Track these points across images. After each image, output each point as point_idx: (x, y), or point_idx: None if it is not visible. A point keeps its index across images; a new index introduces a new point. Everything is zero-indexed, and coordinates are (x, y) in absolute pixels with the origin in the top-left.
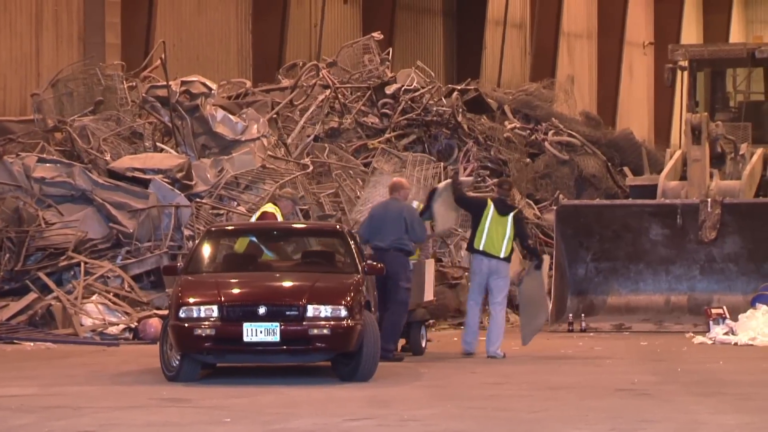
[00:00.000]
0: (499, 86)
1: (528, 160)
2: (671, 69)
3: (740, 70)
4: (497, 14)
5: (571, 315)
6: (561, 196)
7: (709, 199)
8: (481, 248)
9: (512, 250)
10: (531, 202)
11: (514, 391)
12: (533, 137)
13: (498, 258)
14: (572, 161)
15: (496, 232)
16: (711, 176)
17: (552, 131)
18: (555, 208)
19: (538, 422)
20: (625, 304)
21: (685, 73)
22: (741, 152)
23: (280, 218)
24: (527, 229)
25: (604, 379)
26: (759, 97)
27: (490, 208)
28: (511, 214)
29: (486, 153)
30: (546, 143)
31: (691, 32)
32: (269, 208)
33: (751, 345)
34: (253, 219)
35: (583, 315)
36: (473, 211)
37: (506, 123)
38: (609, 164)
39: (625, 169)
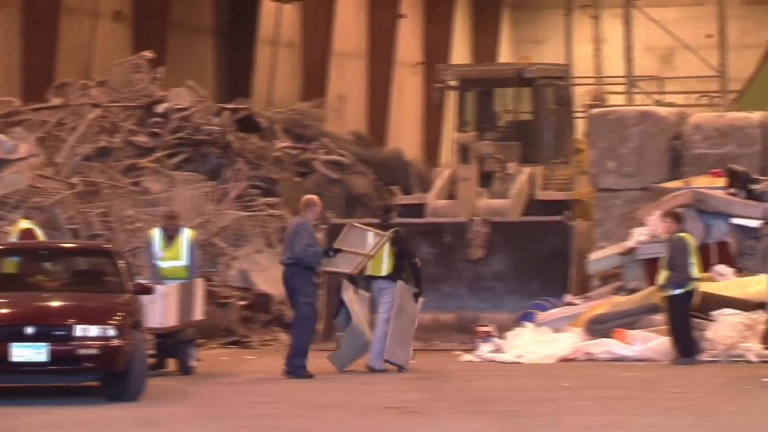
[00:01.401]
0: (271, 105)
1: (298, 179)
2: (439, 89)
3: (509, 90)
4: (268, 34)
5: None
6: (331, 215)
7: (477, 218)
8: (367, 272)
9: (398, 269)
10: None
11: (283, 409)
12: (304, 156)
13: (379, 278)
14: (342, 180)
15: (378, 255)
16: (479, 195)
17: (322, 150)
18: (325, 227)
19: None
20: None
21: (455, 93)
22: (509, 171)
23: (39, 233)
24: (410, 248)
25: (373, 397)
26: (527, 116)
27: None
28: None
29: (256, 172)
30: (316, 162)
31: (461, 52)
32: (25, 224)
33: (519, 362)
34: (14, 238)
35: None
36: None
37: (277, 142)
38: (378, 183)
39: (394, 188)
